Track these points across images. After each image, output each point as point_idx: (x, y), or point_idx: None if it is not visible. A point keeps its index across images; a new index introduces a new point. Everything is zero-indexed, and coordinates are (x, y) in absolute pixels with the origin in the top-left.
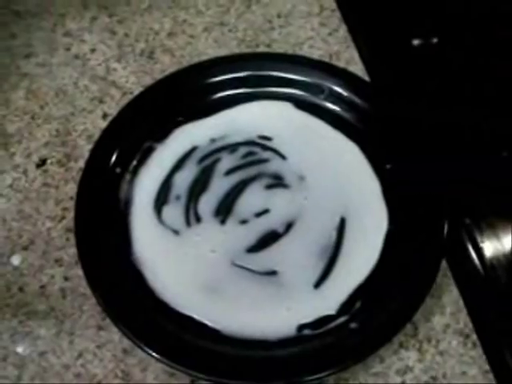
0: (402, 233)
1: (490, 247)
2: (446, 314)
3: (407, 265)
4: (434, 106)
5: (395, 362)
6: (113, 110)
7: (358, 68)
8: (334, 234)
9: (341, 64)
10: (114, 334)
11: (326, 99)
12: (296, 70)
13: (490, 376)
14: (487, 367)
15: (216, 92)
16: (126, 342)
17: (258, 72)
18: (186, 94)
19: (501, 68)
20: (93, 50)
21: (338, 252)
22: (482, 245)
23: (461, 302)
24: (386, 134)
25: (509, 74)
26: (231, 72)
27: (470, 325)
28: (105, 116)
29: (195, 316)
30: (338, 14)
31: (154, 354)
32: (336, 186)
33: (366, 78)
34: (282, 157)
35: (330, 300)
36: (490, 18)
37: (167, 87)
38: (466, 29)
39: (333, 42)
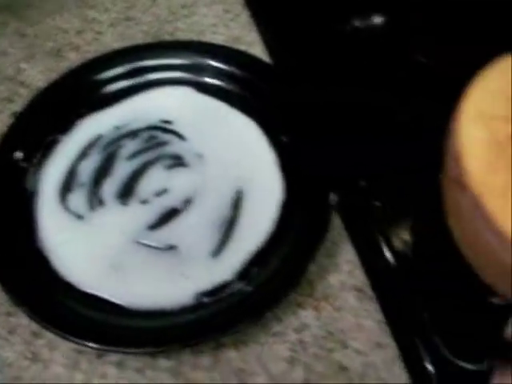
0: (294, 200)
1: (384, 206)
2: (342, 271)
3: (299, 229)
4: (329, 87)
5: (293, 321)
6: (21, 109)
7: (259, 50)
8: (231, 206)
9: (242, 47)
10: (23, 319)
11: (224, 81)
12: (193, 55)
13: (385, 326)
14: (382, 318)
15: (117, 82)
16: (35, 326)
17: (156, 60)
18: (88, 86)
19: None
20: (4, 53)
21: (235, 222)
22: (377, 204)
23: (356, 260)
24: (283, 111)
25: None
26: (129, 62)
27: (366, 280)
28: (14, 115)
29: (99, 294)
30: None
31: (59, 332)
32: (233, 161)
33: (267, 59)
34: (182, 138)
35: (227, 267)
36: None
37: (69, 81)
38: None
39: (235, 27)
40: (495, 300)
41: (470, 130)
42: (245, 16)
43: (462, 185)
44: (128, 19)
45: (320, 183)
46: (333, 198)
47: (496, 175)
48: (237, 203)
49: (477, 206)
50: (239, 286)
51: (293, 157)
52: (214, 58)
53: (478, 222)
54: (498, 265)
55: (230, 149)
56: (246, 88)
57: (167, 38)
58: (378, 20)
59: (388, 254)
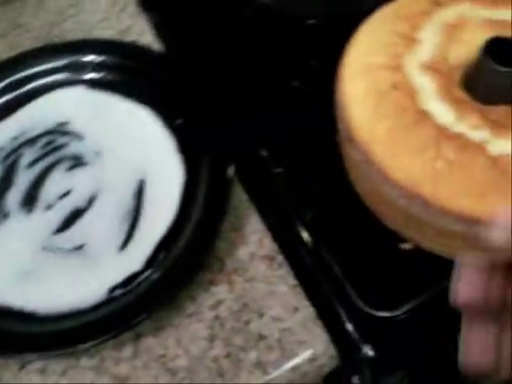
0: (195, 182)
1: (286, 173)
2: (250, 243)
3: (201, 209)
4: (219, 70)
5: (207, 299)
6: None
7: (149, 39)
8: (133, 197)
9: (132, 37)
10: None
11: (114, 74)
12: (78, 54)
13: (299, 289)
14: (294, 282)
15: (7, 94)
16: None
17: (43, 65)
18: None
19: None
20: None
21: (139, 213)
22: (278, 171)
23: (264, 229)
24: (176, 96)
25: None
26: (16, 72)
27: (275, 247)
28: None
29: (12, 303)
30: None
31: None
32: (132, 152)
33: (158, 47)
34: (80, 138)
35: (135, 258)
36: None
37: None
38: None
39: (124, 18)
40: (405, 246)
41: (352, 82)
42: (132, 6)
43: (350, 138)
44: (17, 27)
45: (218, 160)
46: (231, 171)
47: (379, 123)
48: (139, 193)
49: (365, 155)
50: (147, 273)
51: (190, 139)
52: (99, 53)
53: (371, 171)
54: (397, 211)
55: (128, 141)
56: (137, 78)
57: (56, 40)
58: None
59: (294, 219)
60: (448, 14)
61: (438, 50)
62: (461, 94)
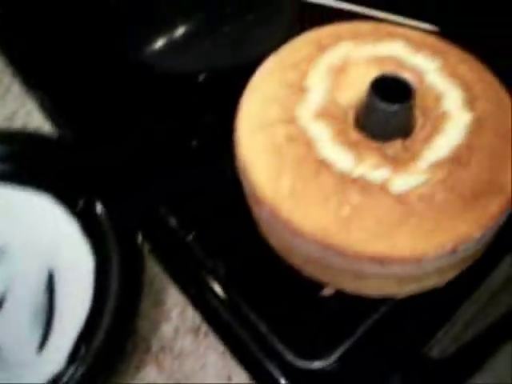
0: (107, 263)
1: (198, 238)
2: (173, 317)
3: (117, 291)
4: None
5: None
6: None
7: (39, 119)
8: (45, 292)
9: (19, 121)
10: None
11: (7, 164)
12: None
13: (228, 356)
14: (223, 349)
15: None
16: None
17: None
18: None
19: None
20: None
21: (53, 308)
22: (189, 238)
23: (184, 300)
24: (72, 177)
25: None
26: None
27: (198, 318)
28: None
29: None
30: (9, 70)
31: None
32: (38, 243)
33: (49, 126)
34: None
35: (55, 358)
36: None
37: None
38: None
39: (9, 100)
40: (325, 292)
41: (249, 140)
42: (17, 86)
43: (254, 196)
44: None
45: (126, 237)
46: (141, 245)
47: (281, 179)
48: (50, 286)
49: (271, 212)
50: (71, 371)
51: (94, 219)
52: (12, 151)
53: (279, 227)
54: (313, 263)
55: (31, 232)
56: (30, 165)
57: None
58: None
59: (213, 284)
60: (333, 57)
61: (328, 95)
62: (357, 136)
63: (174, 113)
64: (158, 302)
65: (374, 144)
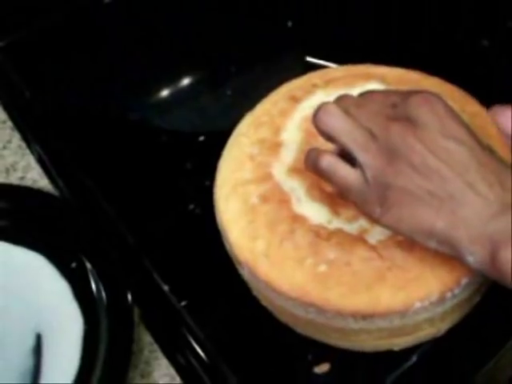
0: (96, 329)
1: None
2: None
3: (105, 357)
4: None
5: None
6: None
7: (35, 173)
8: (33, 354)
9: (18, 174)
10: None
11: (2, 220)
12: None
13: None
14: None
15: None
16: None
17: None
18: None
19: None
20: None
21: (39, 371)
22: (180, 307)
23: (172, 371)
24: (68, 238)
25: None
26: None
27: None
28: None
29: None
30: (9, 124)
31: None
32: (26, 304)
33: (45, 181)
34: None
35: None
36: None
37: None
38: None
39: (8, 154)
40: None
41: (225, 202)
42: (16, 140)
43: (234, 258)
44: None
45: (118, 302)
46: (133, 313)
47: (257, 240)
48: (38, 349)
49: (251, 273)
50: None
51: (85, 282)
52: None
53: (261, 287)
54: (298, 320)
55: (22, 291)
56: (25, 222)
57: None
58: None
59: (203, 356)
60: (306, 109)
61: (302, 149)
62: (332, 189)
63: (172, 175)
64: (146, 373)
65: None
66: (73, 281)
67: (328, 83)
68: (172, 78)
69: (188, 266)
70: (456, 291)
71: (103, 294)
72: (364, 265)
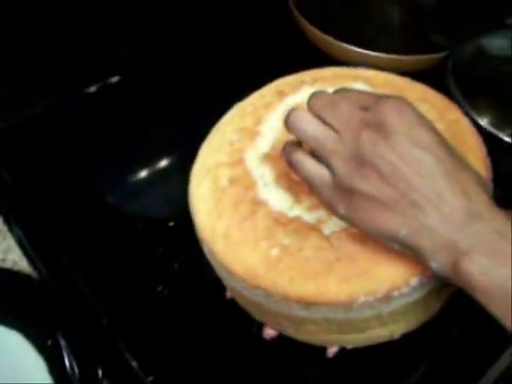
0: None
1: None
2: None
3: None
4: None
5: None
6: None
7: (16, 255)
8: None
9: None
10: None
11: None
12: None
13: None
14: None
15: None
16: None
17: None
18: None
19: None
20: None
21: None
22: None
23: None
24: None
25: None
26: None
27: None
28: None
29: None
30: None
31: None
32: (4, 378)
33: (25, 264)
34: None
35: None
36: None
37: None
38: None
39: None
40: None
41: (198, 184)
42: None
43: (200, 240)
44: None
45: (87, 378)
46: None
47: (219, 220)
48: None
49: (211, 254)
50: None
51: (60, 358)
52: None
53: (219, 268)
54: (251, 304)
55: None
56: (4, 302)
57: None
58: None
59: None
60: (290, 102)
61: (279, 139)
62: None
63: (144, 258)
64: None
65: None
66: (48, 357)
67: (316, 81)
68: (146, 164)
69: (156, 342)
70: (404, 291)
71: (76, 370)
72: (315, 253)
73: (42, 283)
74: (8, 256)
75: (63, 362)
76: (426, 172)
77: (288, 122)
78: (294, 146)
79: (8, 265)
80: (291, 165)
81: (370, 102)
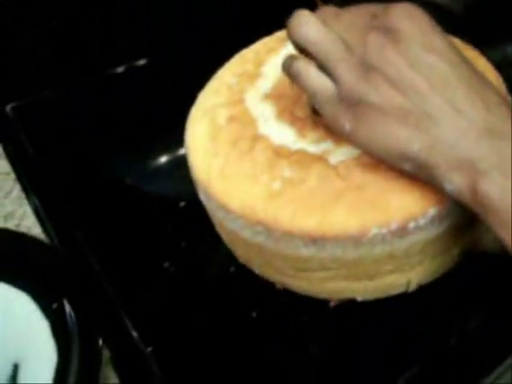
0: (68, 365)
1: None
2: None
3: None
4: None
5: None
6: None
7: (31, 222)
8: (9, 381)
9: (14, 221)
10: None
11: None
12: None
13: None
14: None
15: None
16: None
17: None
18: None
19: None
20: None
21: None
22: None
23: None
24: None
25: None
26: None
27: None
28: None
29: None
30: (12, 176)
31: None
32: (7, 336)
33: (38, 230)
34: None
35: None
36: None
37: None
38: None
39: (7, 204)
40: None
41: (195, 123)
42: (17, 191)
43: (194, 181)
44: None
45: (89, 343)
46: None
47: (215, 158)
48: (14, 377)
49: (206, 193)
50: None
51: (63, 322)
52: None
53: (214, 209)
54: (249, 248)
55: (4, 325)
56: (13, 262)
57: None
58: None
59: None
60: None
61: (281, 80)
62: (305, 114)
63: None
64: None
65: (323, 121)
66: (52, 320)
67: None
68: (166, 150)
69: (157, 315)
70: (421, 222)
71: (77, 335)
72: (320, 183)
73: (53, 250)
74: (23, 222)
75: (66, 326)
76: (440, 79)
77: (290, 26)
78: (295, 55)
79: (22, 230)
80: (291, 76)
81: (377, 10)
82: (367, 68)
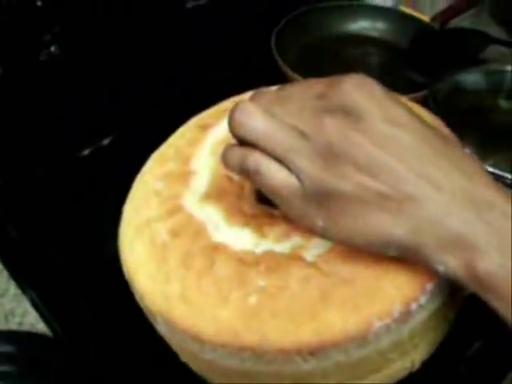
0: None
1: None
2: None
3: None
4: None
5: None
6: None
7: (32, 319)
8: None
9: (16, 320)
10: None
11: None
12: None
13: None
14: None
15: None
16: None
17: None
18: None
19: None
20: None
21: None
22: None
23: None
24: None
25: None
26: None
27: None
28: None
29: None
30: (5, 273)
31: None
32: None
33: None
34: None
35: None
36: None
37: None
38: None
39: (6, 302)
40: None
41: (130, 247)
42: (13, 288)
43: (147, 310)
44: None
45: None
46: None
47: (169, 284)
48: None
49: (167, 325)
50: None
51: None
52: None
53: (180, 338)
54: (235, 373)
55: None
56: (26, 366)
57: None
58: None
59: None
60: (216, 135)
61: (217, 174)
62: (256, 209)
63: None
64: None
65: (279, 212)
66: None
67: None
68: None
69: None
70: (422, 300)
71: None
72: (303, 286)
73: (61, 344)
74: (25, 320)
75: None
76: (409, 152)
77: (233, 121)
78: (246, 148)
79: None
80: (244, 172)
81: (324, 88)
82: (329, 155)
